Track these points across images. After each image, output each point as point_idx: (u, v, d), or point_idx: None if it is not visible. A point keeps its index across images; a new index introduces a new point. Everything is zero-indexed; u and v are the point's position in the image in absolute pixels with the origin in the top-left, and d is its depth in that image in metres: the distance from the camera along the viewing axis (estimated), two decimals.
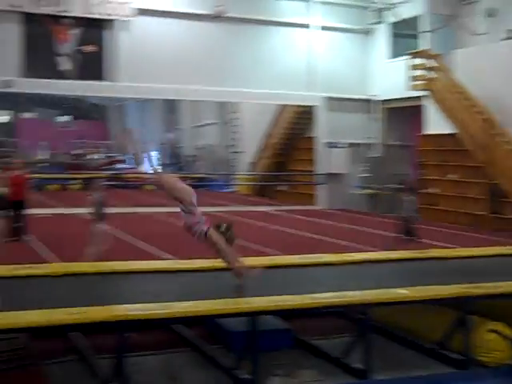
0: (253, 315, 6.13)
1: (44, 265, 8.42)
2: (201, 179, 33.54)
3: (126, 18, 20.35)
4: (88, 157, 39.10)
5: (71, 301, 6.12)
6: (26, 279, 7.16)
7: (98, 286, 7.11)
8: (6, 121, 47.88)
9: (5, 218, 10.43)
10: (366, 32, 23.56)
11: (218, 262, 8.01)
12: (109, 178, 31.01)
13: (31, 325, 5.51)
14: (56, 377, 5.88)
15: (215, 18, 21.14)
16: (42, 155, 39.65)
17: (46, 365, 6.01)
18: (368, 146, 23.76)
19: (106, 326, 5.86)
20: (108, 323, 5.62)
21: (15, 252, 11.83)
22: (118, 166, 39.03)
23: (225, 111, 33.61)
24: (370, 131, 23.69)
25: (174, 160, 40.30)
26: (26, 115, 47.81)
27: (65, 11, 19.81)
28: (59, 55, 20.06)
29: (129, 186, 30.92)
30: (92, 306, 5.84)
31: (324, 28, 23.07)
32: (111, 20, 20.29)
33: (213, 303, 6.06)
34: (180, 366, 6.62)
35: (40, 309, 5.69)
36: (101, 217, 10.22)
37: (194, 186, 25.64)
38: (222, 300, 6.17)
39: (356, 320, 6.91)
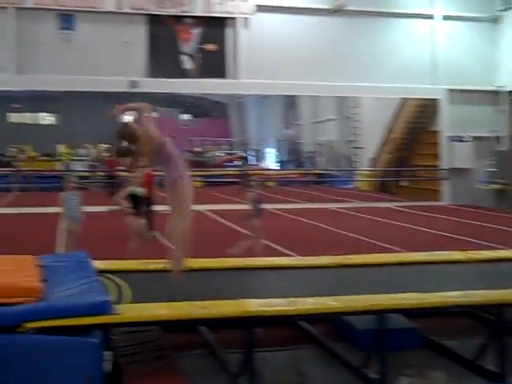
0: (380, 313, 6.02)
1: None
2: (321, 175, 33.53)
3: (246, 16, 20.59)
4: (209, 154, 39.90)
5: (201, 295, 6.27)
6: (155, 273, 7.38)
7: (227, 281, 7.21)
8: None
9: (142, 215, 10.81)
10: (493, 20, 22.60)
11: (344, 259, 8.00)
12: (229, 175, 31.71)
13: (162, 318, 5.68)
14: (187, 369, 6.00)
15: (335, 12, 20.98)
16: None
17: (179, 357, 6.16)
18: (494, 139, 22.82)
19: (234, 321, 5.97)
20: (237, 318, 5.69)
21: (144, 247, 12.26)
22: (238, 162, 39.59)
23: (345, 106, 33.32)
24: (496, 124, 22.73)
25: (294, 156, 40.42)
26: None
27: (187, 11, 20.32)
28: (182, 54, 20.59)
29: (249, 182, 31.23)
30: (221, 300, 5.94)
31: (447, 18, 22.34)
32: (232, 18, 20.60)
33: (340, 300, 6.00)
34: (306, 363, 6.59)
35: (170, 302, 5.88)
36: (257, 213, 10.46)
37: (314, 183, 25.54)
38: (348, 297, 6.10)
39: (487, 320, 6.64)
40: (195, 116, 49.61)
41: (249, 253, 9.90)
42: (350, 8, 20.94)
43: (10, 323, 5.01)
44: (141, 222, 10.59)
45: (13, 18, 19.41)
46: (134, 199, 10.59)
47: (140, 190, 10.62)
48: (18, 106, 45.68)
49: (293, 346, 6.94)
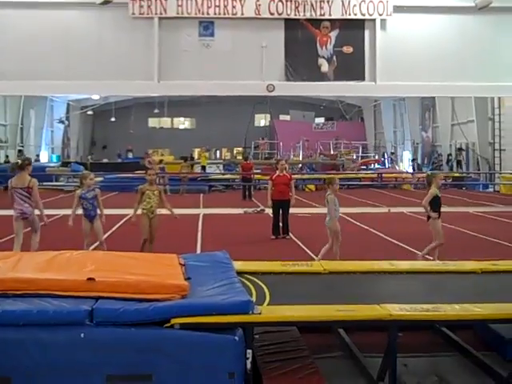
0: None
1: (310, 262, 8.68)
2: (459, 178, 32.48)
3: (384, 17, 20.33)
4: (344, 157, 39.69)
5: (339, 298, 6.25)
6: (294, 275, 7.42)
7: (365, 285, 7.13)
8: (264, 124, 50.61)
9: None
10: None
11: (489, 265, 7.69)
12: (366, 178, 31.45)
13: (303, 319, 5.73)
14: (324, 371, 5.97)
15: (479, 9, 20.11)
16: (297, 156, 41.13)
17: (316, 359, 6.15)
18: None
19: (374, 325, 5.89)
20: (379, 322, 5.61)
21: (282, 248, 12.48)
22: (374, 166, 39.14)
23: (486, 107, 31.99)
24: None
25: (431, 159, 39.37)
26: (282, 117, 49.91)
27: (325, 14, 20.34)
28: (320, 57, 20.63)
29: (386, 185, 30.97)
30: (360, 303, 5.88)
31: None
32: (371, 19, 20.40)
33: (486, 307, 5.75)
34: (448, 370, 6.38)
35: (309, 304, 5.91)
36: None
37: (452, 186, 24.56)
38: (496, 305, 5.84)
39: None
40: (329, 119, 49.58)
41: None
42: (494, 5, 19.96)
43: (160, 318, 5.23)
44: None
45: (156, 27, 20.25)
46: (436, 201, 10.65)
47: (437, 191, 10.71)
48: (156, 111, 47.62)
49: (435, 353, 6.74)
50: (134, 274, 5.98)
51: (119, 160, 42.27)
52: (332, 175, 10.77)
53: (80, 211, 10.48)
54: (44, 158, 45.57)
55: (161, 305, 5.35)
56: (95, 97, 42.00)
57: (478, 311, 5.69)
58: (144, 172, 13.16)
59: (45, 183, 29.84)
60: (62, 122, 46.96)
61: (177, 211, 18.87)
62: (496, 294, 6.57)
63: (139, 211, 10.97)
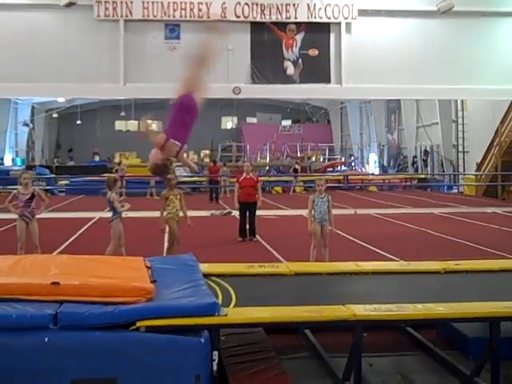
0: (494, 321, 5.81)
1: (277, 263, 8.71)
2: (424, 180, 32.86)
3: (349, 20, 20.51)
4: (311, 159, 39.83)
5: (305, 299, 6.28)
6: (260, 277, 7.44)
7: (330, 286, 7.18)
8: (231, 126, 50.52)
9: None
10: None
11: (452, 265, 7.80)
12: (332, 180, 31.60)
13: (266, 320, 5.75)
14: (291, 372, 6.00)
15: (442, 13, 20.40)
16: (264, 158, 41.14)
17: (283, 360, 6.18)
18: None
19: (339, 325, 5.94)
20: (345, 322, 5.65)
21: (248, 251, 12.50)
22: (342, 168, 39.33)
23: (450, 109, 32.44)
24: None
25: (397, 161, 39.74)
26: (249, 120, 49.81)
27: (291, 17, 20.45)
28: (285, 60, 20.73)
29: (353, 187, 31.22)
30: (326, 304, 5.92)
31: None
32: (336, 23, 20.55)
33: (450, 307, 5.84)
34: (413, 369, 6.46)
35: (275, 306, 5.93)
36: None
37: (417, 188, 24.92)
38: (459, 304, 5.93)
39: None
40: (296, 121, 49.67)
41: None
42: (456, 9, 20.28)
43: (125, 321, 5.20)
44: None
45: (122, 30, 20.14)
46: None
47: None
48: (123, 114, 47.19)
49: (399, 352, 6.82)
50: (99, 277, 5.93)
51: (71, 162, 41.73)
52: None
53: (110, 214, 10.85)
54: (8, 161, 44.89)
55: (126, 307, 5.31)
56: (60, 99, 41.50)
57: (442, 311, 5.77)
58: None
59: (9, 187, 29.45)
60: (26, 124, 46.27)
61: (144, 214, 18.95)
62: (459, 294, 6.68)
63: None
